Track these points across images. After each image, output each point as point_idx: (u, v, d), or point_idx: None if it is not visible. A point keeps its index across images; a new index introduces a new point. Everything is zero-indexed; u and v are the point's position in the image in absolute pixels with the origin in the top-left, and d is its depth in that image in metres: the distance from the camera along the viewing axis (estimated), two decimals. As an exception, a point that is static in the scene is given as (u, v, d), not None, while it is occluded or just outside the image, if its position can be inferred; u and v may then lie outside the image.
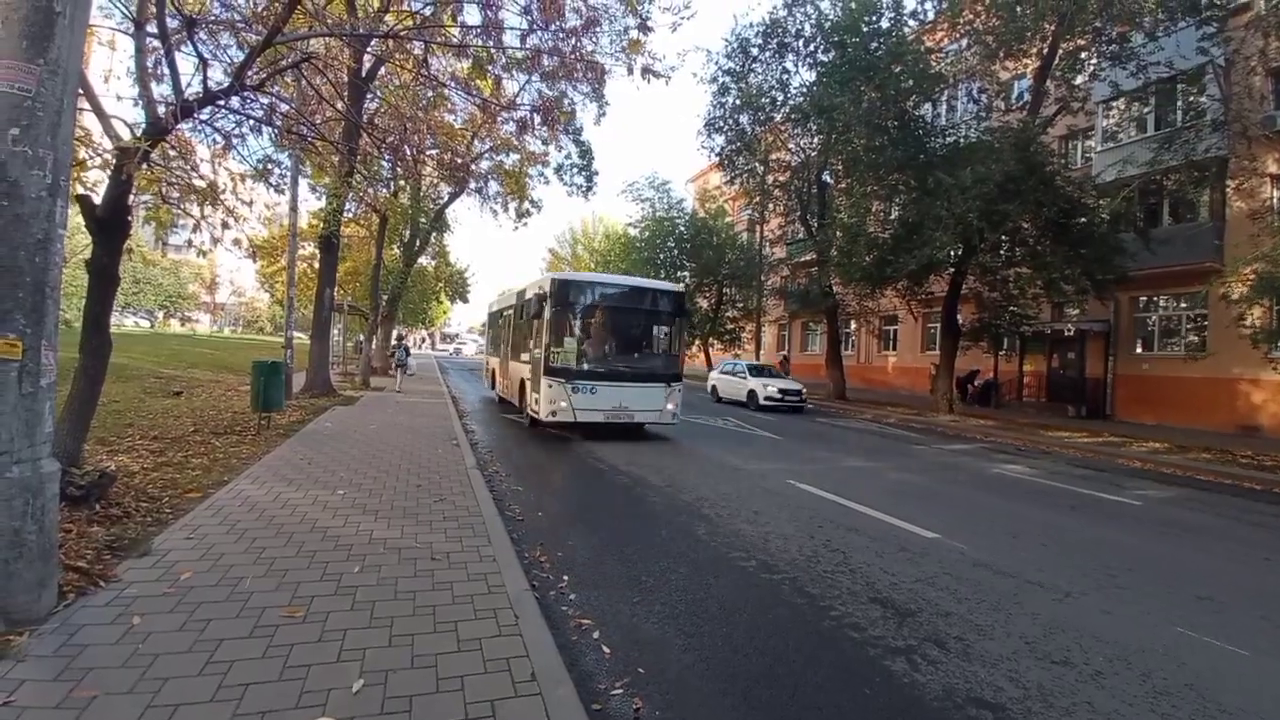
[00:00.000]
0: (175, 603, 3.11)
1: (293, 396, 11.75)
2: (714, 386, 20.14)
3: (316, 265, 16.12)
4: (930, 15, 16.68)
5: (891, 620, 3.66)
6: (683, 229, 29.52)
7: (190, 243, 7.92)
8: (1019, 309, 16.93)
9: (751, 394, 17.72)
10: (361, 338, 22.00)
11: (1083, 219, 14.14)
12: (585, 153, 19.50)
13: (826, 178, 21.07)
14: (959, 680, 3.01)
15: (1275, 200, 13.86)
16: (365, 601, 3.27)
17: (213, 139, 7.16)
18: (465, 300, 36.37)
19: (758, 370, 19.43)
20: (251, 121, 7.16)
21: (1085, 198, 14.67)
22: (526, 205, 19.39)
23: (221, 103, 6.08)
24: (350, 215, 18.41)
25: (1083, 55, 15.20)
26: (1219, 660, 3.37)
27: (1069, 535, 5.88)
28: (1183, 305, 16.36)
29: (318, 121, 9.02)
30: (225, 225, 6.90)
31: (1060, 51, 14.90)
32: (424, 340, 23.08)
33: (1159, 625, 3.79)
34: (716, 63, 20.18)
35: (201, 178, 7.14)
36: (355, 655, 2.73)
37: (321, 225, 13.63)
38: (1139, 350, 17.24)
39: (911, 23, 16.95)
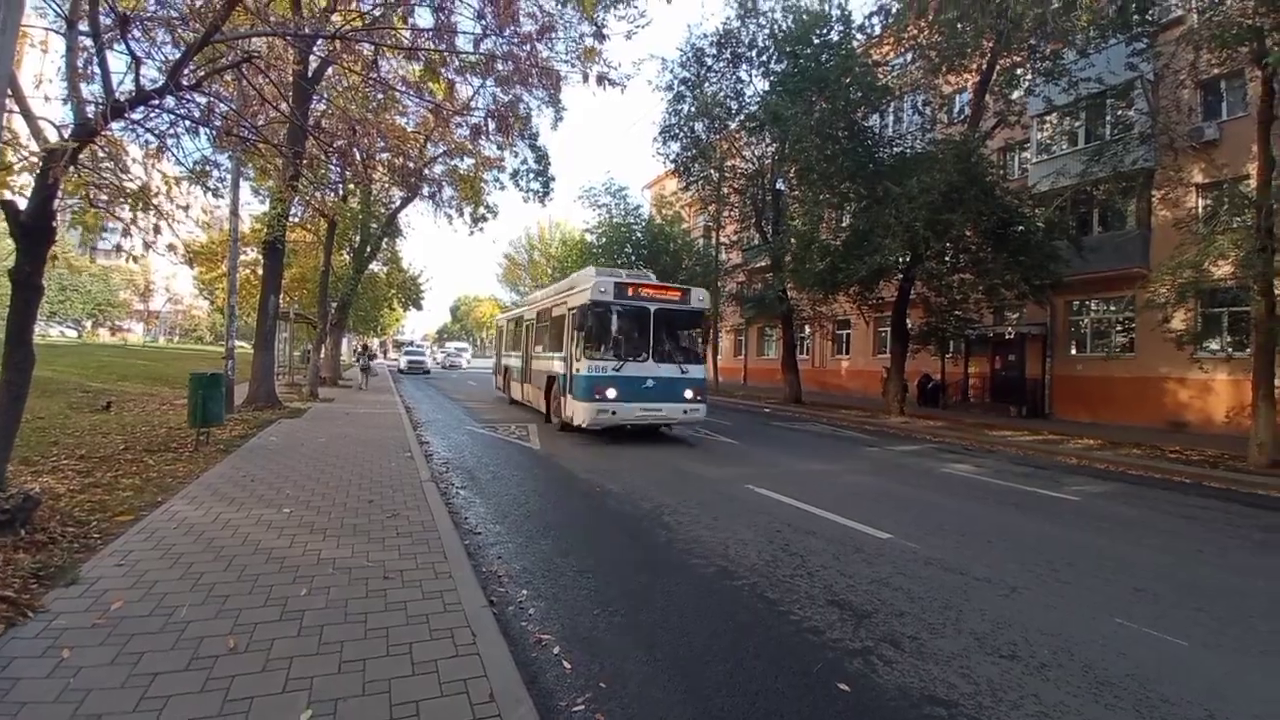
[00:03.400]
0: (106, 634, 2.93)
1: (234, 410, 11.23)
2: None
3: (260, 271, 15.50)
4: (877, 29, 17.24)
5: (849, 622, 3.72)
6: (639, 235, 29.62)
7: (119, 248, 7.50)
8: (963, 313, 17.58)
9: None
10: (309, 347, 21.27)
11: (1020, 227, 14.81)
12: (541, 158, 19.40)
13: (780, 185, 21.50)
14: (914, 679, 3.08)
15: (1199, 209, 14.80)
16: (313, 626, 3.13)
17: (145, 140, 6.83)
18: (419, 307, 35.41)
19: None
20: (187, 122, 6.84)
21: (1023, 207, 15.37)
22: (482, 211, 19.14)
23: (155, 102, 5.80)
24: (296, 220, 17.79)
25: (1019, 71, 15.98)
26: (1158, 651, 3.54)
27: (1013, 532, 6.11)
28: (1112, 309, 17.30)
29: (260, 123, 8.68)
30: (158, 230, 6.57)
31: (998, 67, 15.61)
32: (368, 350, 21.94)
33: (1099, 617, 3.96)
34: (671, 71, 20.45)
35: (132, 180, 6.79)
36: (302, 684, 2.61)
37: (265, 230, 13.09)
38: (1074, 352, 18.15)
39: (859, 36, 17.51)
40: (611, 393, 10.28)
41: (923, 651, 3.38)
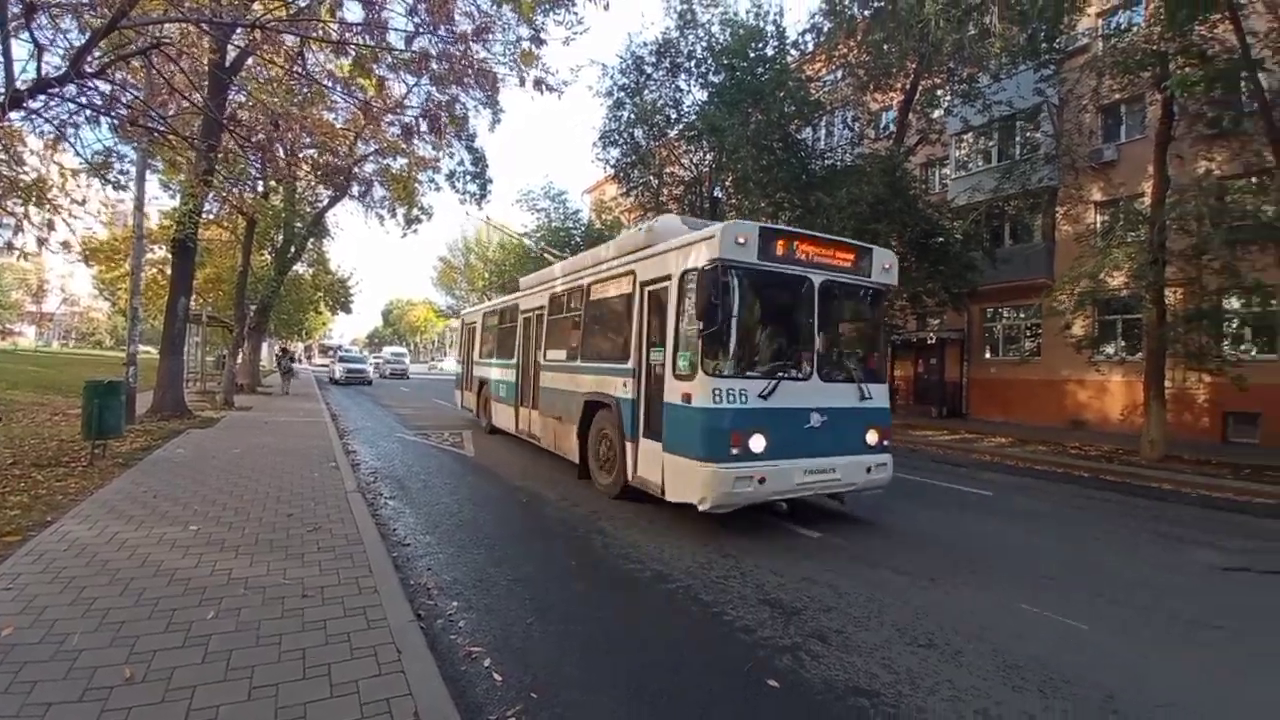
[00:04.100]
0: (-10, 666, 2.66)
1: (136, 420, 10.42)
2: None
3: (169, 271, 14.48)
4: (810, 46, 17.89)
5: (779, 620, 3.81)
6: (579, 240, 29.50)
7: (10, 245, 6.89)
8: (889, 319, 18.38)
9: None
10: (224, 351, 20.02)
11: (940, 239, 15.67)
12: (478, 159, 18.98)
13: (718, 193, 21.91)
14: (839, 672, 3.19)
15: (1097, 224, 16.08)
16: (220, 651, 2.93)
17: (43, 130, 6.30)
18: (348, 311, 33.94)
19: None
20: (89, 111, 6.34)
21: (942, 219, 16.30)
22: (416, 212, 18.60)
23: (55, 90, 5.36)
24: (211, 217, 16.73)
25: (939, 92, 16.94)
26: (1060, 634, 3.79)
27: (933, 526, 6.43)
28: (1021, 316, 18.56)
29: (170, 113, 8.15)
30: (51, 225, 6.06)
31: (920, 88, 16.49)
32: (288, 354, 19.50)
33: (1008, 605, 4.22)
34: (612, 77, 20.48)
35: (27, 172, 6.26)
36: (206, 715, 2.44)
37: (175, 227, 12.20)
38: (988, 356, 19.34)
39: (793, 52, 18.10)
40: (759, 442, 5.32)
41: (848, 645, 3.50)
